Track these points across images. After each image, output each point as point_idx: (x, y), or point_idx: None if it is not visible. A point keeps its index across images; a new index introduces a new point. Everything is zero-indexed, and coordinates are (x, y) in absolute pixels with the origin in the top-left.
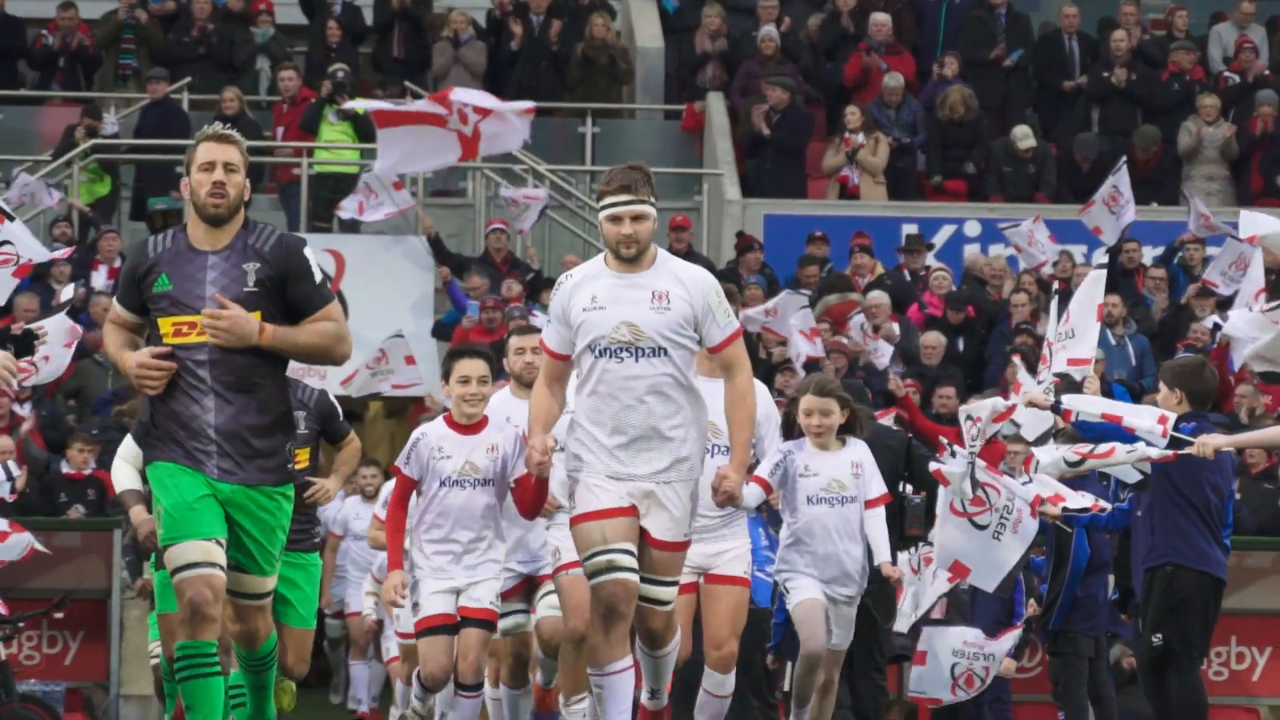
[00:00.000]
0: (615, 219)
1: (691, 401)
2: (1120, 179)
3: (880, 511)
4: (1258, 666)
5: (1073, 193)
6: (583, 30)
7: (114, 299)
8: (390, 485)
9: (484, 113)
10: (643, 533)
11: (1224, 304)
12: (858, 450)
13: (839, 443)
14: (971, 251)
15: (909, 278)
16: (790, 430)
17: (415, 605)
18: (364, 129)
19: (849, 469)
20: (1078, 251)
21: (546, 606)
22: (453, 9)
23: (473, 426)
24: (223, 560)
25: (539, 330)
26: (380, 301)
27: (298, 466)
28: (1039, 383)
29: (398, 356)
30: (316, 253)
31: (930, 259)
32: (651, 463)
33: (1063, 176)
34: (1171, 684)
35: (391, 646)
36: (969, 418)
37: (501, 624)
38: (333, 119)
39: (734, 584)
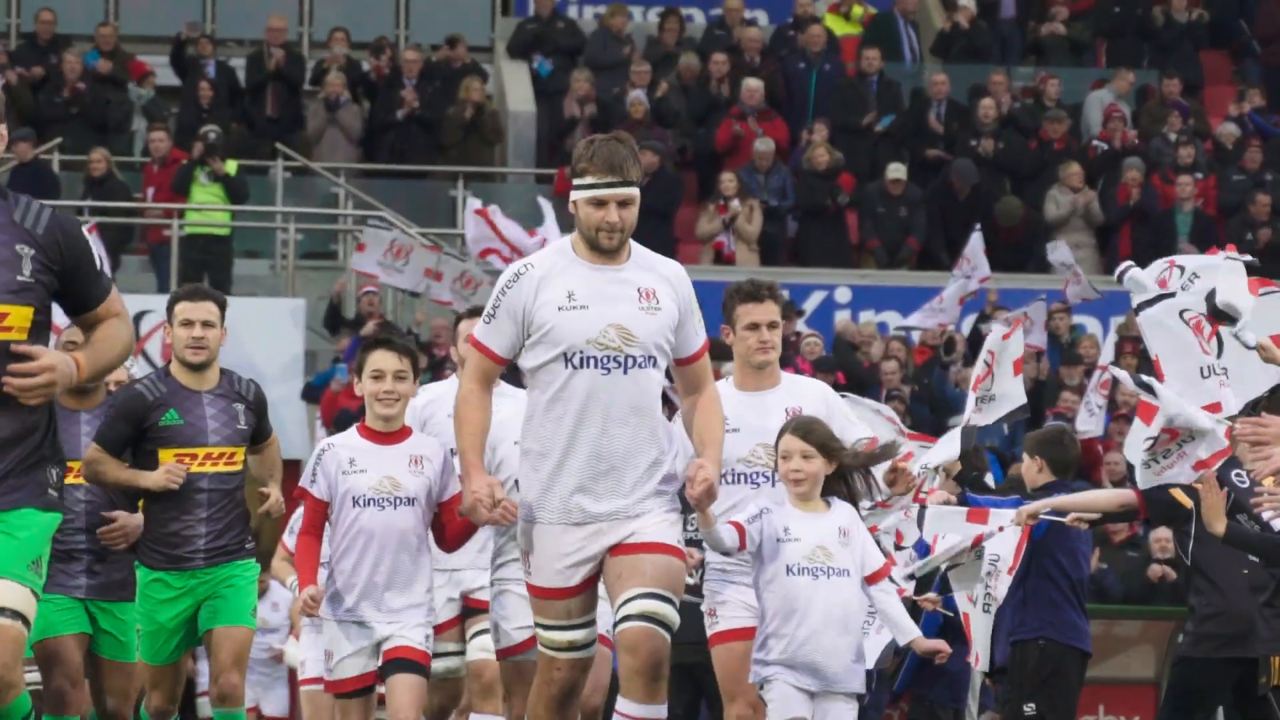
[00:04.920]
0: (598, 203)
1: (665, 419)
2: (972, 247)
3: (889, 586)
4: None
5: (947, 234)
6: (455, 94)
7: None
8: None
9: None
10: (626, 547)
11: (1089, 370)
12: (845, 513)
13: (823, 504)
14: (842, 318)
15: None
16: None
17: (328, 656)
18: (235, 191)
19: (836, 535)
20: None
21: (478, 649)
22: (328, 70)
23: (391, 435)
24: None
25: None
26: (250, 363)
27: (230, 469)
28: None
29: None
30: None
31: (801, 325)
32: (629, 496)
33: (935, 215)
34: None
35: None
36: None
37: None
38: (204, 180)
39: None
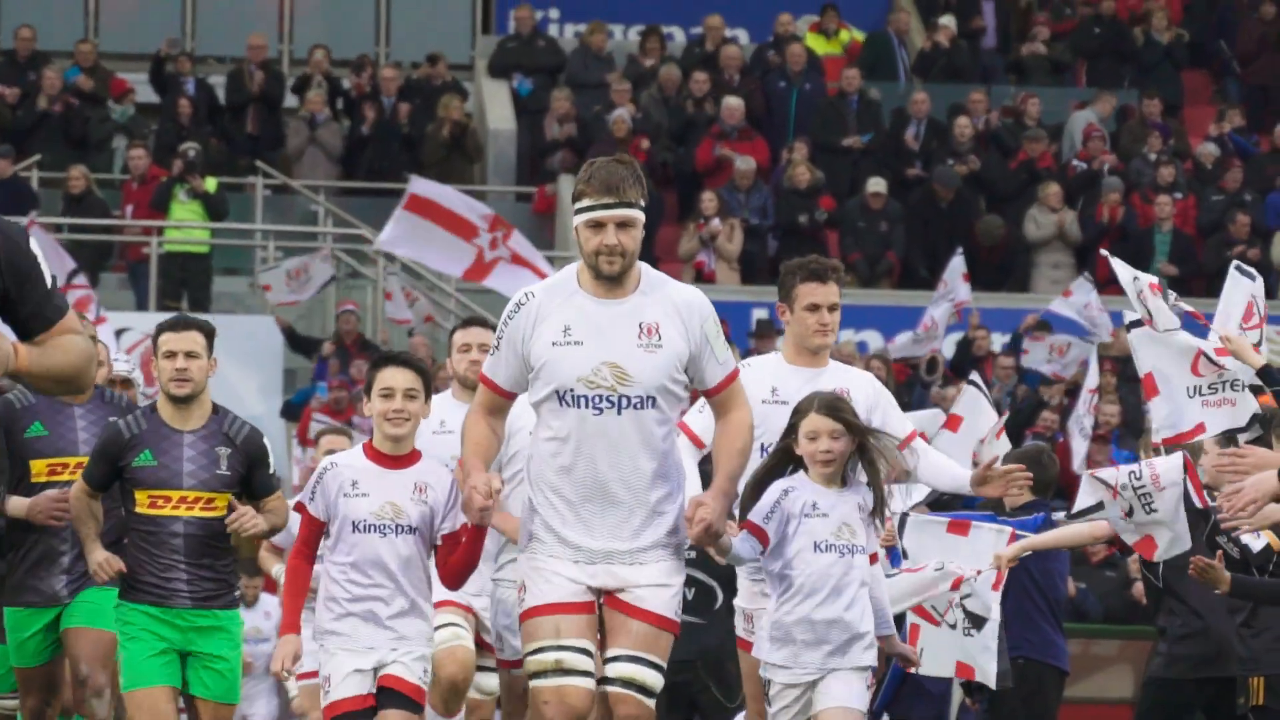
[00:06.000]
0: (596, 225)
1: (677, 462)
2: (951, 270)
3: (879, 571)
4: None
5: (927, 251)
6: (434, 111)
7: None
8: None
9: (517, 258)
10: (618, 604)
11: (1072, 392)
12: (860, 490)
13: (840, 480)
14: None
15: None
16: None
17: (325, 680)
18: (215, 208)
19: (857, 511)
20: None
21: (474, 688)
22: (311, 78)
23: (399, 459)
24: None
25: (484, 324)
26: (229, 382)
27: (210, 514)
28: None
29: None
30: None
31: (780, 344)
32: (630, 539)
33: (916, 230)
34: None
35: None
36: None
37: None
38: (183, 198)
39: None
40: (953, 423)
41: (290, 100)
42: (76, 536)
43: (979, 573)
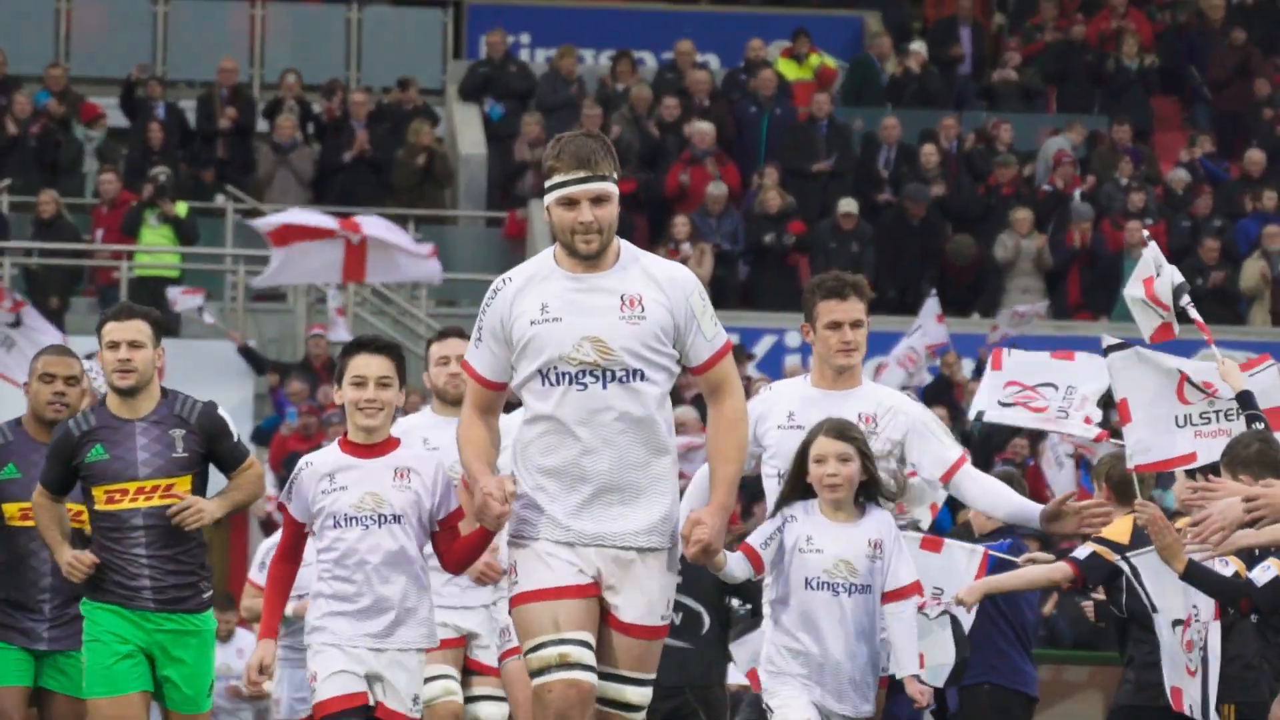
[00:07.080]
0: (569, 202)
1: (671, 441)
2: (925, 312)
3: (906, 607)
4: None
5: (897, 273)
6: (404, 136)
7: None
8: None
9: (380, 241)
10: (607, 615)
11: None
12: (880, 523)
13: (856, 510)
14: (792, 361)
15: None
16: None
17: (312, 678)
18: (185, 233)
19: (864, 548)
20: None
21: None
22: (283, 101)
23: (375, 447)
24: None
25: (462, 335)
26: None
27: (170, 502)
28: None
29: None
30: None
31: (751, 369)
32: (621, 522)
33: (886, 252)
34: None
35: None
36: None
37: (424, 690)
38: (154, 222)
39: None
40: None
41: (261, 125)
42: (56, 585)
43: (936, 598)
